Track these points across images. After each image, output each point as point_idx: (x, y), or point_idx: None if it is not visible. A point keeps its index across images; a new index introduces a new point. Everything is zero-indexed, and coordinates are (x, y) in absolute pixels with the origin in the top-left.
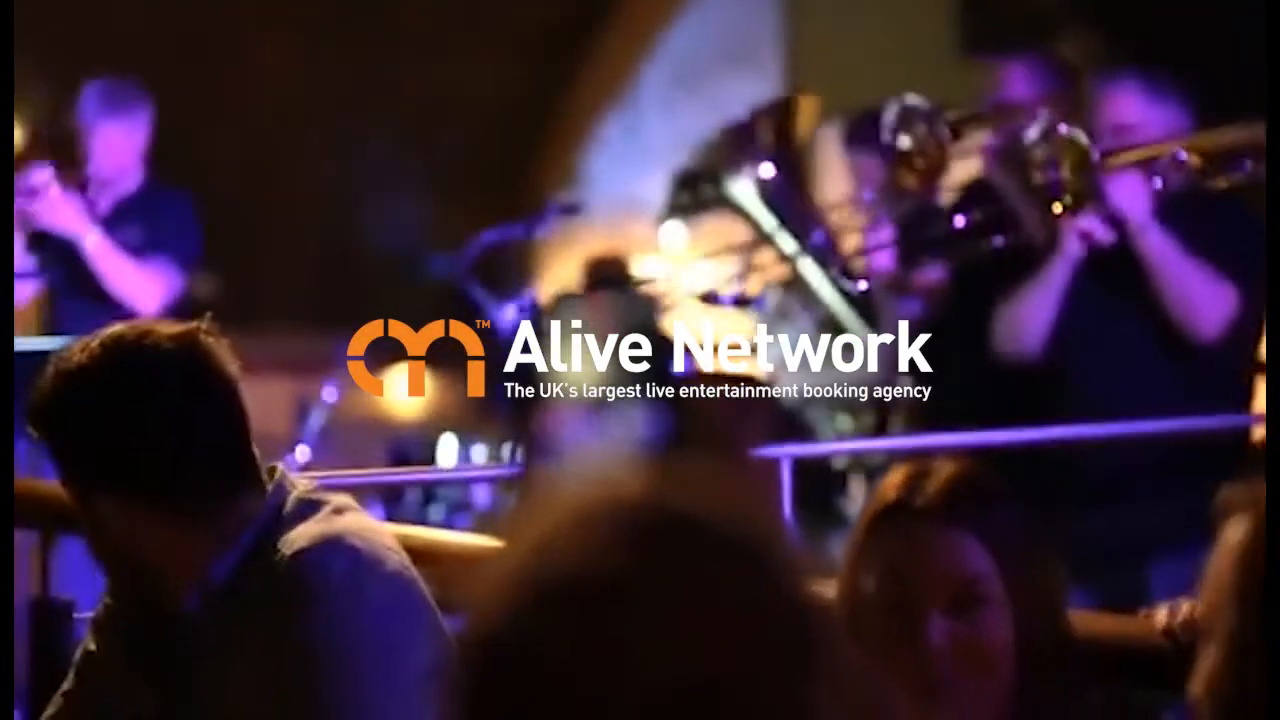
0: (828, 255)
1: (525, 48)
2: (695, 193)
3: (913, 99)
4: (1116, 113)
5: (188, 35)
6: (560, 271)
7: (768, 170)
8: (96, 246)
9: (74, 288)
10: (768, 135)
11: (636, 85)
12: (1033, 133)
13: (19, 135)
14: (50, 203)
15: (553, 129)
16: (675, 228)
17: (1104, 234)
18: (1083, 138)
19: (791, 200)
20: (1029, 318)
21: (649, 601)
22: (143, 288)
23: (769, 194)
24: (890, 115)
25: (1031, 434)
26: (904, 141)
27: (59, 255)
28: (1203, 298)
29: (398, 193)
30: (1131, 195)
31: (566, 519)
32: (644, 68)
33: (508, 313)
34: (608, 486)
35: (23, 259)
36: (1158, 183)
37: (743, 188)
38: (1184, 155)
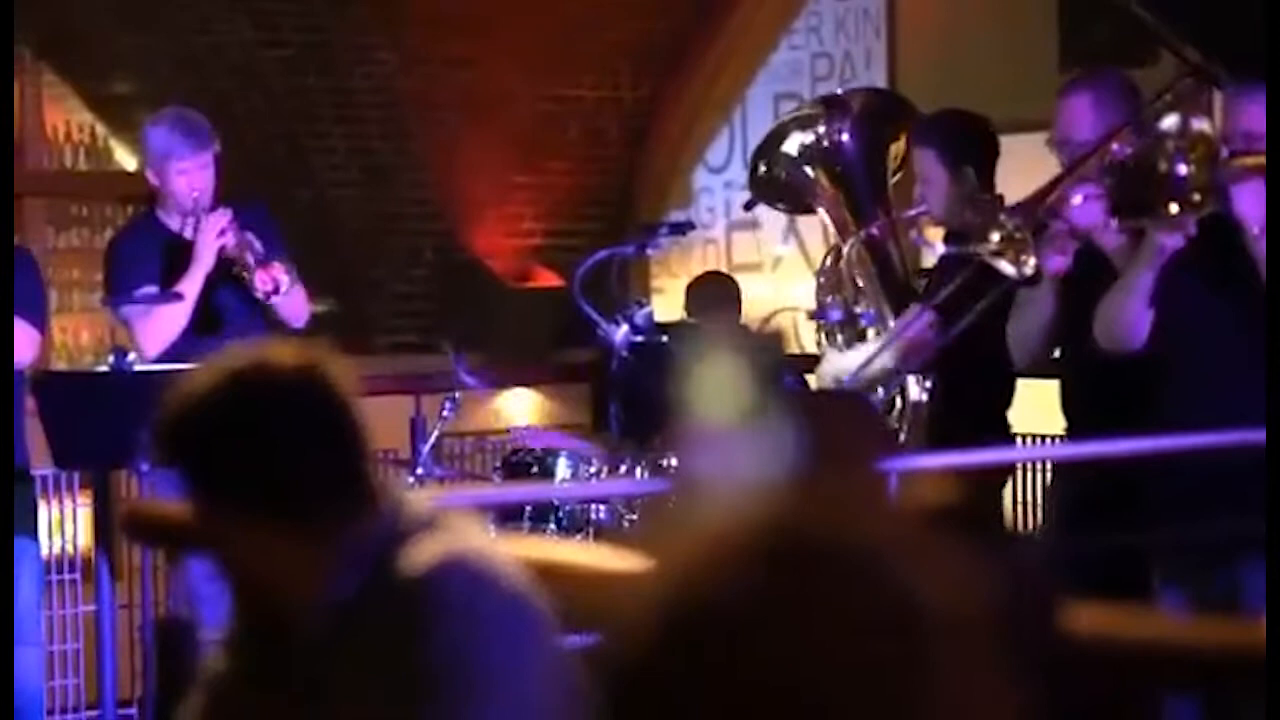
0: (886, 243)
1: (633, 64)
2: (769, 163)
3: (979, 198)
4: (1246, 121)
5: (300, 51)
6: (671, 289)
7: (844, 137)
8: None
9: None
10: (855, 109)
11: (743, 103)
12: (1169, 123)
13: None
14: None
15: (661, 146)
16: (781, 245)
17: (1192, 232)
18: (1212, 132)
19: (864, 175)
20: (1125, 313)
21: (782, 628)
22: (304, 306)
23: (842, 162)
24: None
25: (1120, 446)
26: (994, 239)
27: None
28: None
29: (510, 210)
30: (1255, 201)
31: (704, 546)
32: (749, 85)
33: (621, 330)
34: (743, 512)
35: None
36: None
37: (803, 140)
38: None
